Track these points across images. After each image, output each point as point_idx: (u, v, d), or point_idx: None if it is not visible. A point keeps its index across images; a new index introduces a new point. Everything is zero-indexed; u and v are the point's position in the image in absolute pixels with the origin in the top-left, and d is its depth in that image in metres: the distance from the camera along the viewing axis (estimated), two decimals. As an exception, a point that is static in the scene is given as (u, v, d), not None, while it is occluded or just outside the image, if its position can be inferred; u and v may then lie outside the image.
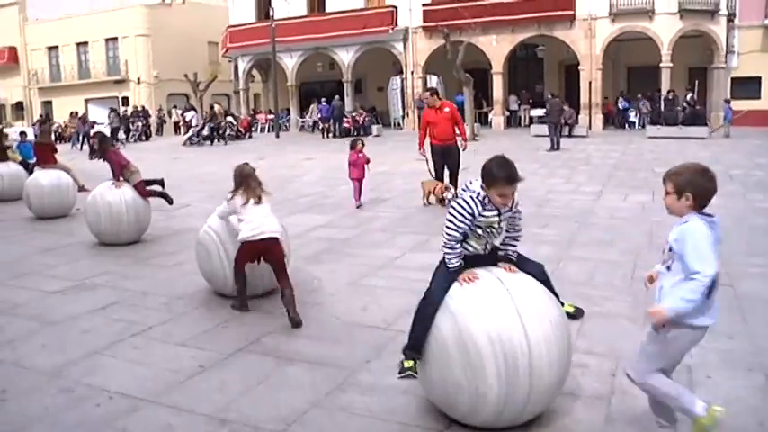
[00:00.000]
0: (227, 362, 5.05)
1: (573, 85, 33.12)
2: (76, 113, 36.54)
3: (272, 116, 38.43)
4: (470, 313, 3.76)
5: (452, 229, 4.00)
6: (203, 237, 6.66)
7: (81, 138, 32.09)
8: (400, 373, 4.59)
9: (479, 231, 4.06)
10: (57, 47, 50.14)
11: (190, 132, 33.71)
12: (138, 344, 5.47)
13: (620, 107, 32.94)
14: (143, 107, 41.77)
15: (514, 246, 4.30)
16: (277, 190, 15.05)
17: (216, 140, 32.47)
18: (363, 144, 12.17)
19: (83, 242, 9.73)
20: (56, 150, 13.47)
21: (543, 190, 13.38)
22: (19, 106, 52.42)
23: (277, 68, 36.26)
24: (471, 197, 3.97)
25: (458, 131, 11.67)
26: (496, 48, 33.04)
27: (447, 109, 11.64)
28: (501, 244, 4.28)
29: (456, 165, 11.75)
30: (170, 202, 10.39)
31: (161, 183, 10.54)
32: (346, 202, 12.53)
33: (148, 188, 9.98)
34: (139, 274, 7.77)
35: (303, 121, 39.40)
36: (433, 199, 11.59)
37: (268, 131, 38.43)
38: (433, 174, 11.85)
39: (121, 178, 9.62)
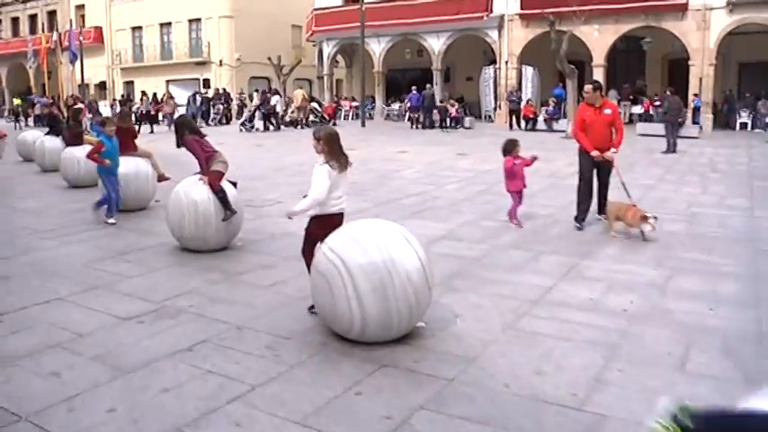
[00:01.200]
0: (369, 465, 3.43)
1: (677, 80, 30.66)
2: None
3: (355, 103, 36.98)
4: None
5: None
6: (323, 264, 4.92)
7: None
8: None
9: None
10: (140, 27, 49.83)
11: (243, 117, 32.56)
12: (239, 418, 3.88)
13: (695, 105, 29.35)
14: (224, 90, 40.77)
15: None
16: (377, 187, 13.52)
17: (270, 127, 31.20)
18: (519, 146, 9.72)
19: (162, 245, 8.29)
20: (136, 135, 12.13)
21: (682, 202, 11.55)
22: (102, 86, 52.43)
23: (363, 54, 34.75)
24: None
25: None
26: (598, 38, 30.84)
27: (608, 111, 9.40)
28: None
29: (608, 179, 9.58)
30: (226, 216, 7.87)
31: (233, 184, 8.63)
32: (461, 205, 10.92)
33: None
34: (232, 297, 6.21)
35: (389, 110, 37.89)
36: (621, 226, 8.86)
37: (352, 119, 37.02)
38: (602, 192, 9.57)
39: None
